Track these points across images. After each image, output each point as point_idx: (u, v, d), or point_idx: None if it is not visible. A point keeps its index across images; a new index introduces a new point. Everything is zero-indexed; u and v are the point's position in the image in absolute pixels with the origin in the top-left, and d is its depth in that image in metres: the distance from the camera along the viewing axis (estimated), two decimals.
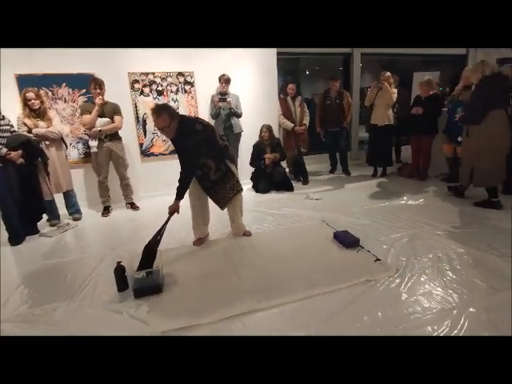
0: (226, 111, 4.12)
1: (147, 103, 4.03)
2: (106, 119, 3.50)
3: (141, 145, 4.15)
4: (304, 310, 1.74)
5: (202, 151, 2.32)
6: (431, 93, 4.12)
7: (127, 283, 2.03)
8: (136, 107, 4.01)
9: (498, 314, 1.58)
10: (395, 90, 4.48)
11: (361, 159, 6.04)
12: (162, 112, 2.14)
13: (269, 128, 4.18)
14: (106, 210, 3.70)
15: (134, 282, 1.91)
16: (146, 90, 4.01)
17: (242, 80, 4.44)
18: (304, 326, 1.60)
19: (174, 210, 2.31)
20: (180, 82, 4.14)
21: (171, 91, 4.12)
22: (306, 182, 4.68)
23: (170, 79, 4.08)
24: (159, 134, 4.16)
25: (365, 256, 2.28)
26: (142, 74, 3.95)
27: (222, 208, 2.63)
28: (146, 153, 4.19)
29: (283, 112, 4.59)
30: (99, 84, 3.46)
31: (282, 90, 4.63)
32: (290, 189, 4.33)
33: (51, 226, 3.33)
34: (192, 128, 2.27)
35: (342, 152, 5.09)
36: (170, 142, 4.19)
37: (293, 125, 4.52)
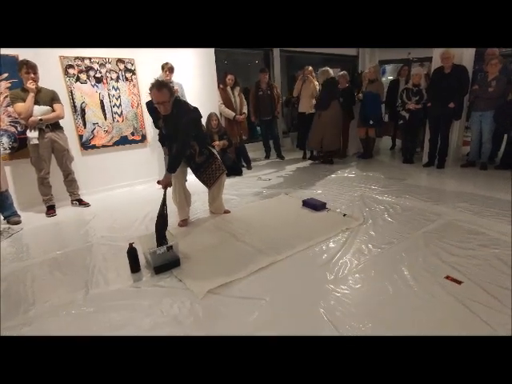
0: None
1: (85, 91, 3.72)
2: (46, 107, 3.13)
3: (80, 136, 3.80)
4: (313, 254, 2.13)
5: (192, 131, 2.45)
6: (347, 85, 4.99)
7: (139, 264, 2.04)
8: (72, 95, 3.65)
9: (435, 233, 2.31)
10: (317, 82, 5.23)
11: (285, 146, 6.74)
12: (163, 87, 2.23)
13: (217, 116, 4.37)
14: (52, 210, 3.31)
15: (155, 258, 1.95)
16: (83, 76, 3.69)
17: (182, 69, 4.47)
18: (316, 264, 1.99)
19: (167, 183, 2.38)
20: (120, 70, 3.94)
21: (111, 78, 3.89)
22: (249, 167, 5.05)
23: (108, 66, 3.84)
24: (100, 124, 3.90)
25: (335, 214, 2.80)
26: (76, 58, 3.61)
27: (209, 188, 2.80)
28: (86, 145, 3.85)
29: (223, 101, 4.82)
30: (33, 67, 3.06)
31: (221, 80, 4.85)
32: (240, 173, 4.64)
33: None
34: (187, 107, 2.42)
35: (275, 139, 5.64)
36: (113, 133, 3.98)
37: (234, 113, 4.81)
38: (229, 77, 4.75)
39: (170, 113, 2.34)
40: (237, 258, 2.11)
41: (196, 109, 2.52)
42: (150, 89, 2.25)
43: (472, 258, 1.95)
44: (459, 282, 1.72)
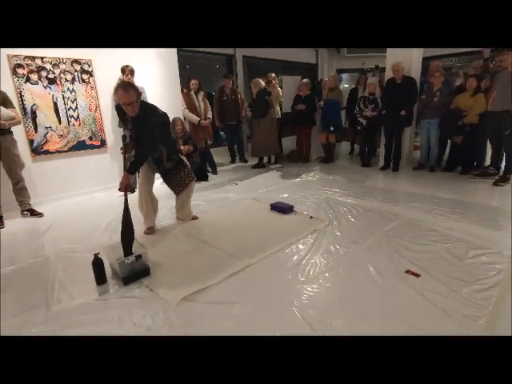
0: None
1: (37, 93, 3.46)
2: (6, 110, 2.88)
3: (31, 141, 3.52)
4: (284, 256, 2.18)
5: (160, 135, 2.40)
6: (308, 92, 5.18)
7: (106, 275, 1.94)
8: (21, 96, 3.38)
9: (395, 232, 2.48)
10: (280, 89, 5.38)
11: (248, 151, 6.80)
12: (130, 87, 2.21)
13: (182, 121, 4.30)
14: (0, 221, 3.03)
15: (123, 268, 1.86)
16: (34, 76, 3.43)
17: (143, 72, 4.34)
18: (288, 266, 2.04)
19: (126, 184, 2.25)
20: (76, 71, 3.73)
21: (66, 80, 3.66)
22: (215, 172, 5.02)
23: (63, 66, 3.61)
24: (54, 128, 3.65)
25: (302, 216, 2.89)
26: (26, 57, 3.35)
27: (177, 194, 2.75)
28: (38, 150, 3.58)
29: (187, 106, 4.77)
30: None
31: (185, 85, 4.80)
32: (206, 178, 4.60)
33: None
34: (155, 110, 2.39)
35: (240, 143, 5.68)
36: (69, 137, 3.76)
37: (198, 118, 4.77)
38: (192, 81, 4.72)
39: (138, 114, 2.29)
40: (209, 263, 2.09)
41: (165, 114, 2.49)
42: (116, 90, 2.18)
43: (427, 253, 2.13)
44: (418, 275, 1.87)
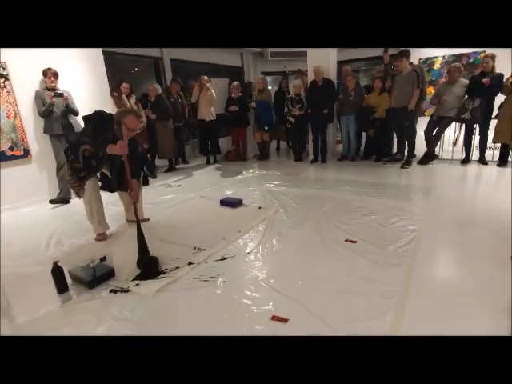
0: (62, 108, 3.75)
1: None
2: None
3: None
4: (243, 242, 2.40)
5: None
6: (240, 94, 5.47)
7: (67, 283, 1.89)
8: None
9: (332, 211, 2.89)
10: (213, 91, 5.55)
11: (186, 153, 6.82)
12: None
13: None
14: None
15: (88, 272, 1.84)
16: None
17: (67, 75, 4.08)
18: (247, 250, 2.26)
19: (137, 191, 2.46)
20: None
21: None
22: (154, 175, 4.93)
23: None
24: None
25: (251, 208, 3.14)
26: None
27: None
28: None
29: None
30: None
31: (115, 88, 4.64)
32: (146, 182, 4.50)
33: None
34: None
35: (182, 144, 5.70)
36: None
37: None
38: (124, 85, 4.59)
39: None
40: (174, 258, 2.18)
41: None
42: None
43: (359, 225, 2.57)
44: (354, 242, 2.27)
